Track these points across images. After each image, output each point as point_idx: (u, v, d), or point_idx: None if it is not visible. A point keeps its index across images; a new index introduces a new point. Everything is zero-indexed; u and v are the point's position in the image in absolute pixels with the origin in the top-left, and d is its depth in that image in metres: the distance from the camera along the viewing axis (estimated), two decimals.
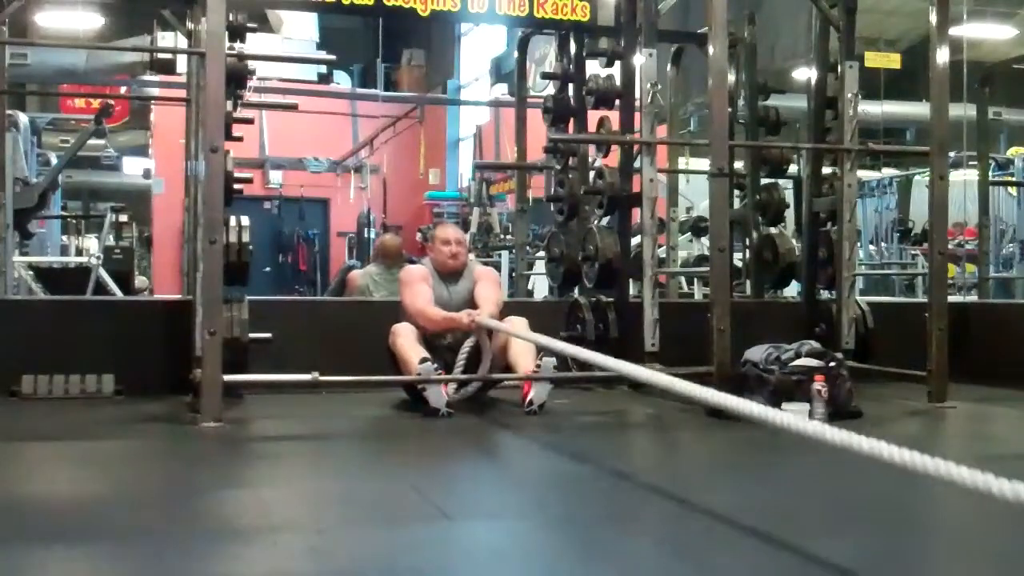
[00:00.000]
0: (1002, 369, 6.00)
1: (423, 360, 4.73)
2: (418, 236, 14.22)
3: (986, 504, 3.19)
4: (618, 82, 6.13)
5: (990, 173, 8.72)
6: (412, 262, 8.89)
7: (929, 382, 5.27)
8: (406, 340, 4.94)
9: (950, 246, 7.62)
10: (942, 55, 5.35)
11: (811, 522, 2.89)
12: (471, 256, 6.12)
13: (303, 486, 3.57)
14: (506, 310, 5.18)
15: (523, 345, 4.93)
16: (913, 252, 11.33)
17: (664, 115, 7.33)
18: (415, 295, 5.10)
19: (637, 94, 5.88)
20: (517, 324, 4.96)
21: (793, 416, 2.67)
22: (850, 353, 5.62)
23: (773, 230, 6.67)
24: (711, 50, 5.28)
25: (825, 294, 6.22)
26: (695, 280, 9.48)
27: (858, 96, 5.84)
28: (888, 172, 12.42)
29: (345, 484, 3.54)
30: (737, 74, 6.82)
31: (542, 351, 4.85)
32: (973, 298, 8.39)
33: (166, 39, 7.62)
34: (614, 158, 6.22)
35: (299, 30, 15.33)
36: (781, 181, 6.95)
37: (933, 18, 5.36)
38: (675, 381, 3.10)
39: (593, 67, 6.46)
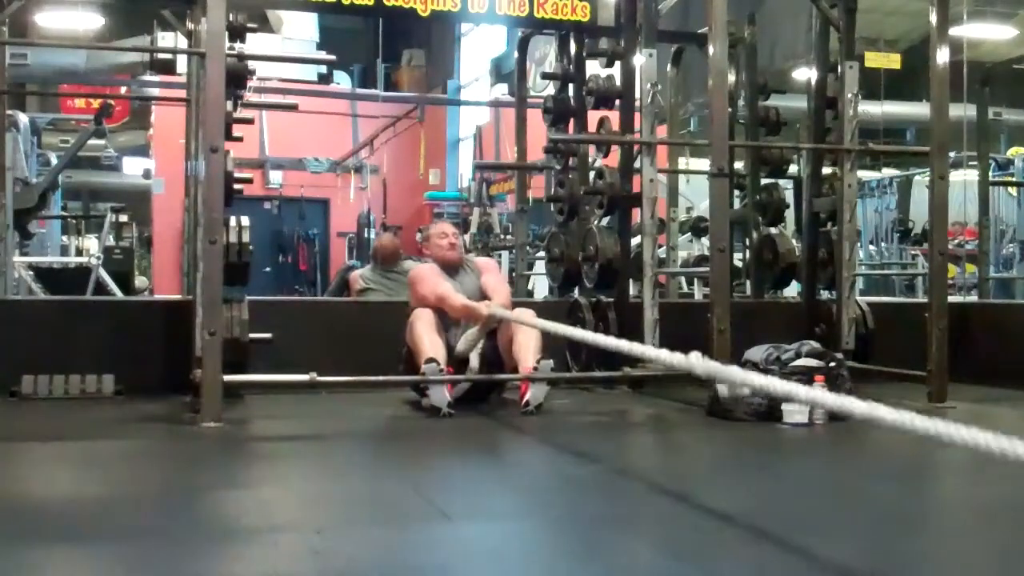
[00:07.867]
0: (1002, 369, 6.00)
1: (428, 361, 4.74)
2: (418, 236, 14.21)
3: (985, 502, 3.21)
4: (618, 82, 6.13)
5: (990, 173, 8.72)
6: (411, 260, 8.94)
7: (929, 382, 5.26)
8: (423, 328, 4.94)
9: (950, 246, 7.61)
10: (942, 55, 5.35)
11: (812, 521, 2.89)
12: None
13: (303, 486, 3.56)
14: (509, 306, 5.19)
15: (527, 342, 4.95)
16: (913, 252, 11.34)
17: (664, 115, 7.33)
18: (435, 284, 5.13)
19: (637, 94, 5.88)
20: (525, 315, 5.05)
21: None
22: (850, 353, 5.62)
23: (773, 230, 6.66)
24: (711, 50, 5.28)
25: (825, 294, 6.22)
26: (695, 280, 9.48)
27: (858, 96, 5.83)
28: (888, 172, 12.42)
29: (345, 484, 3.54)
30: (737, 74, 6.81)
31: (541, 357, 4.89)
32: (973, 298, 8.38)
33: (166, 39, 7.61)
34: (614, 158, 6.21)
35: (299, 30, 15.32)
36: (781, 181, 6.94)
37: (933, 18, 5.36)
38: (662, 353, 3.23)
39: (593, 67, 6.46)
